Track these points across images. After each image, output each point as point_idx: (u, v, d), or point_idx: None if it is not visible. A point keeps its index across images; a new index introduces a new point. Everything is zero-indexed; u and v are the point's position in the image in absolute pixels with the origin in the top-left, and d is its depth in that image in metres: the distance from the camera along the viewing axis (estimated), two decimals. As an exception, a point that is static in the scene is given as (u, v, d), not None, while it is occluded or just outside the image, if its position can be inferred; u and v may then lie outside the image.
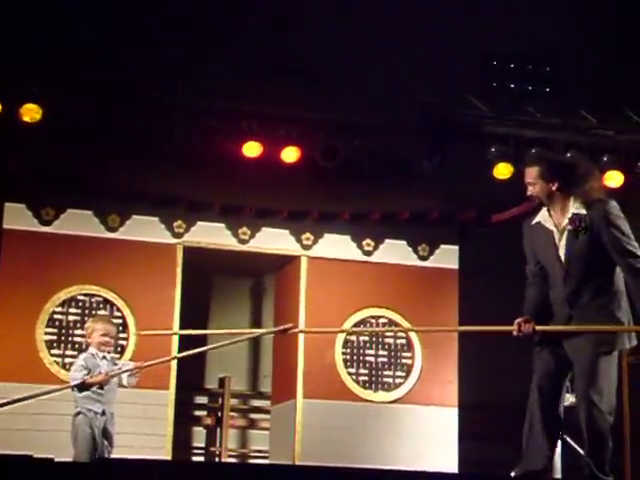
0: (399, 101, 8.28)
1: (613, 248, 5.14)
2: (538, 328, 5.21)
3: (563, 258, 5.23)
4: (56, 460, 4.07)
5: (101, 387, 6.41)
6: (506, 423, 9.70)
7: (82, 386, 6.36)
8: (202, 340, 9.46)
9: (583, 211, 5.22)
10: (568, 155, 5.45)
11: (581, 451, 7.69)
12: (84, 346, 7.69)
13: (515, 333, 5.26)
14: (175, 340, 8.28)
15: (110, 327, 6.65)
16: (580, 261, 5.20)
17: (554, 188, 5.27)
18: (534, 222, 5.38)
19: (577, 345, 5.15)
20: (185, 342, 8.34)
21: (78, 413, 6.37)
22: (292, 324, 7.22)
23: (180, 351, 8.28)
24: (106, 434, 6.42)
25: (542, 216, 5.36)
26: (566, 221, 5.24)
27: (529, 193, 5.35)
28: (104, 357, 6.52)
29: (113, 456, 6.38)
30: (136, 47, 8.00)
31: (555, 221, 5.30)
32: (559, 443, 7.90)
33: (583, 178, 5.29)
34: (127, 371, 6.49)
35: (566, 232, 5.24)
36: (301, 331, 8.31)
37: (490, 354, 9.18)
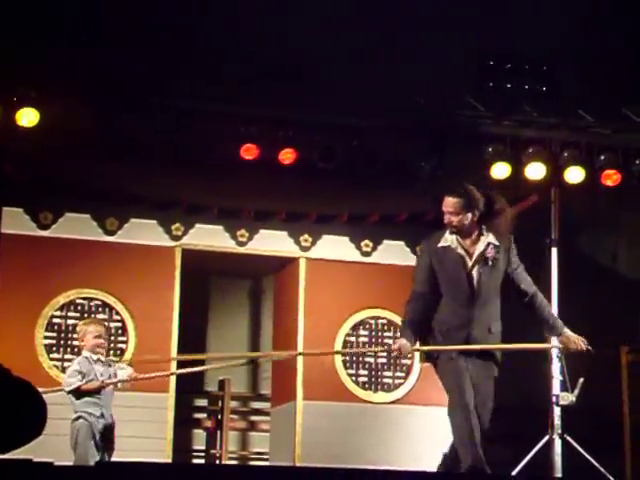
0: (396, 102, 8.28)
1: (524, 278, 5.80)
2: (415, 349, 5.81)
3: (475, 282, 5.70)
4: (56, 464, 4.06)
5: (98, 392, 6.39)
6: (506, 423, 9.71)
7: (77, 392, 6.35)
8: (201, 344, 9.49)
9: (497, 242, 5.73)
10: (486, 191, 5.92)
11: (581, 450, 7.72)
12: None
13: (395, 354, 5.84)
14: (174, 344, 8.28)
15: (101, 328, 6.62)
16: (487, 286, 5.73)
17: (474, 219, 5.71)
18: (441, 245, 5.78)
19: (478, 366, 5.69)
20: (184, 346, 8.35)
21: (78, 417, 6.35)
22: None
23: (178, 355, 8.29)
24: (106, 437, 6.41)
25: (450, 241, 5.77)
26: (480, 249, 5.73)
27: (447, 221, 5.75)
28: (98, 359, 6.50)
29: (113, 459, 6.37)
30: (133, 51, 8.00)
31: (466, 248, 5.74)
32: (559, 442, 7.93)
33: (498, 213, 5.77)
34: (123, 381, 6.48)
35: (478, 259, 5.72)
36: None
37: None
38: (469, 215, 5.70)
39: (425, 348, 5.83)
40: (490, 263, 5.71)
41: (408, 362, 8.93)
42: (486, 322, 5.74)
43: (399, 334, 6.04)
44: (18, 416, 2.20)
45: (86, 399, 6.34)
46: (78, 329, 6.66)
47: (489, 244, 5.72)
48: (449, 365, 5.67)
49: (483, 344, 5.71)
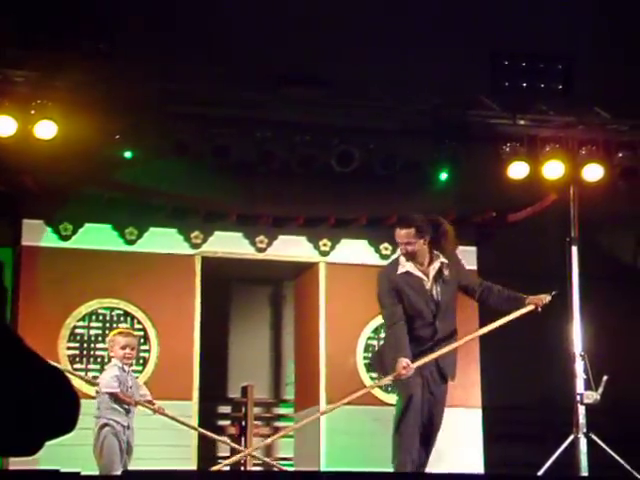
0: (411, 103, 8.28)
1: (472, 276, 6.62)
2: (414, 365, 6.21)
3: (436, 300, 6.30)
4: (83, 474, 4.08)
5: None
6: (531, 423, 9.68)
7: (114, 396, 6.37)
8: (223, 351, 9.51)
9: (447, 260, 6.32)
10: (429, 215, 6.53)
11: (607, 448, 7.69)
12: (106, 359, 7.72)
13: (404, 372, 6.20)
14: (196, 352, 8.30)
15: (131, 339, 6.63)
16: (447, 302, 6.35)
17: (425, 244, 6.27)
18: (400, 272, 6.30)
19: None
20: (206, 354, 8.37)
21: (104, 425, 6.35)
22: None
23: (201, 362, 8.31)
24: (128, 444, 6.44)
25: (409, 267, 6.31)
26: (435, 269, 6.29)
27: (403, 251, 6.28)
28: (129, 371, 6.55)
29: (139, 468, 6.39)
30: (149, 59, 8.04)
31: (422, 270, 6.30)
32: (585, 441, 7.90)
33: (445, 234, 6.36)
34: (153, 410, 6.61)
35: (436, 279, 6.29)
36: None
37: (512, 355, 9.16)
38: (421, 242, 6.24)
39: (421, 362, 6.25)
40: (445, 281, 6.31)
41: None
42: (449, 333, 6.38)
43: (398, 355, 6.27)
44: (49, 404, 2.12)
45: (115, 407, 6.36)
46: (108, 338, 6.68)
47: (442, 263, 6.31)
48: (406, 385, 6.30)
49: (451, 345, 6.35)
